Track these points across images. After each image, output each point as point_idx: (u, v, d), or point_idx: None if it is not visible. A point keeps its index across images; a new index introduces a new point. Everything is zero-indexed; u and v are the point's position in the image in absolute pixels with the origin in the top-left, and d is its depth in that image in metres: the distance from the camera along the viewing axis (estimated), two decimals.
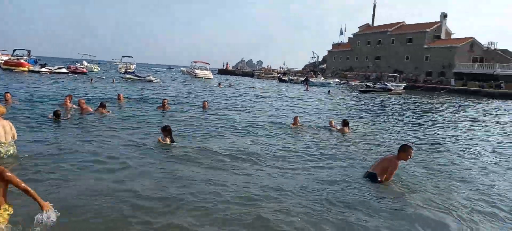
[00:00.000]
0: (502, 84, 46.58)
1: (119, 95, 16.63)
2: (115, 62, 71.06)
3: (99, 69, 53.81)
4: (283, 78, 65.16)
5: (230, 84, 40.03)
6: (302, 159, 7.99)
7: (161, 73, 64.75)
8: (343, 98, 30.97)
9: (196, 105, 16.84)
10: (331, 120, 13.18)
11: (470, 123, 17.73)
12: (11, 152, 6.28)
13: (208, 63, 59.72)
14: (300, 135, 11.05)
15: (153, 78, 37.25)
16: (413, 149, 6.35)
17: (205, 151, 8.04)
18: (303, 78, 57.99)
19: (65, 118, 10.60)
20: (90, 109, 12.22)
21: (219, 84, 37.86)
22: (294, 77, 64.12)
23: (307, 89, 37.99)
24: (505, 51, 57.15)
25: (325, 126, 12.71)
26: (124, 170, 6.30)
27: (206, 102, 15.95)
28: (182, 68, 68.88)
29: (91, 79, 31.44)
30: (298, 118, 12.79)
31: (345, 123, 11.98)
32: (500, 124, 17.99)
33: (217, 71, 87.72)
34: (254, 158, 7.74)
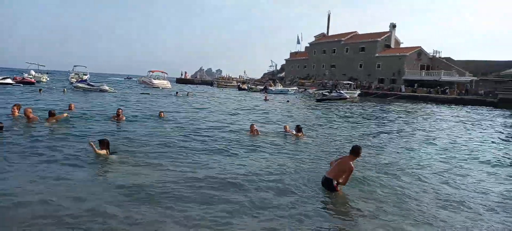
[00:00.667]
0: (447, 90, 49.83)
1: (70, 105, 15.87)
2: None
3: (49, 79, 50.98)
4: (243, 86, 65.35)
5: (188, 93, 39.48)
6: (256, 167, 7.97)
7: (118, 83, 62.56)
8: (298, 108, 31.51)
9: (152, 116, 16.19)
10: (285, 125, 13.37)
11: (417, 125, 18.74)
12: None
13: (165, 73, 58.58)
14: (256, 142, 11.09)
15: (107, 88, 35.83)
16: (362, 149, 6.57)
17: (153, 164, 7.79)
18: (262, 87, 58.54)
19: (9, 130, 9.85)
20: (37, 118, 11.69)
21: (177, 93, 37.21)
22: (253, 86, 64.60)
23: (266, 99, 38.05)
24: (448, 59, 61.26)
25: (280, 132, 12.83)
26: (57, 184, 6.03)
27: (162, 113, 15.57)
28: (139, 78, 66.73)
29: (40, 89, 29.73)
30: (255, 125, 12.80)
31: (298, 129, 12.33)
32: (444, 126, 19.17)
33: (175, 81, 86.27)
34: (206, 168, 7.63)
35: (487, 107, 39.03)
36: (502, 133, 17.90)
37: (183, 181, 6.69)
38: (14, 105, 12.80)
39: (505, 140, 15.31)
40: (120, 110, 14.46)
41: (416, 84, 55.04)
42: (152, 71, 58.19)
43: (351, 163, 6.27)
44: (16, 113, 12.18)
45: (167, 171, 7.32)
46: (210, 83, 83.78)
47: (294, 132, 12.31)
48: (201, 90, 54.08)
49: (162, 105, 23.38)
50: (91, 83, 38.45)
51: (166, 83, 53.18)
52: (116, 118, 13.84)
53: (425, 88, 52.61)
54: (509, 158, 10.89)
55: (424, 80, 55.63)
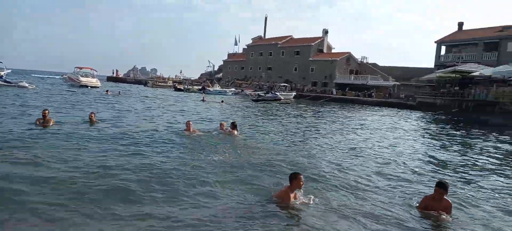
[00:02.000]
0: (373, 93, 53.55)
1: None
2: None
3: None
4: (179, 87, 63.68)
5: (119, 92, 37.47)
6: (190, 167, 7.73)
7: (41, 80, 57.26)
8: (235, 108, 31.57)
9: (80, 117, 14.65)
10: (222, 122, 13.28)
11: (345, 126, 19.80)
12: None
13: (95, 70, 54.89)
14: (191, 140, 10.87)
15: (27, 84, 32.66)
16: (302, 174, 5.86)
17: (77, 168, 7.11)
18: (199, 87, 57.64)
19: None
20: None
21: (107, 91, 35.07)
22: (190, 86, 63.27)
23: (203, 100, 37.54)
24: (374, 65, 65.95)
25: (215, 129, 12.77)
26: None
27: (93, 115, 13.65)
28: (64, 75, 61.22)
29: None
30: (191, 123, 12.44)
31: (233, 126, 12.32)
32: (370, 126, 20.49)
33: (106, 79, 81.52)
34: (138, 169, 7.20)
35: (407, 109, 42.64)
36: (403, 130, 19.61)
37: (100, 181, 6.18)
38: None
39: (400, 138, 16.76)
40: (47, 111, 12.31)
41: (347, 88, 58.31)
42: (80, 68, 54.13)
43: (290, 192, 5.72)
44: None
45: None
46: (144, 83, 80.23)
47: (229, 129, 12.30)
48: (135, 90, 51.66)
49: (90, 105, 21.82)
50: (8, 79, 34.77)
51: (95, 81, 49.79)
52: (40, 121, 11.75)
53: (354, 92, 55.98)
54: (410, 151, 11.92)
55: (353, 84, 59.19)
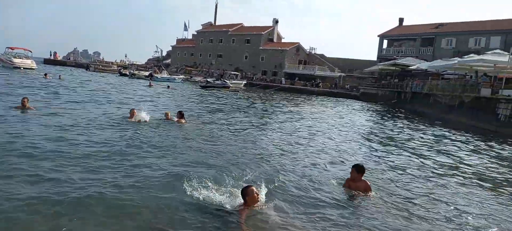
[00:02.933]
0: (320, 84, 55.31)
1: None
2: None
3: None
4: (124, 72, 60.79)
5: (60, 76, 35.02)
6: (134, 155, 7.45)
7: None
8: (183, 95, 31.00)
9: (12, 104, 13.04)
10: (167, 112, 12.92)
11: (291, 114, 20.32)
12: None
13: (29, 50, 50.66)
14: (136, 128, 10.42)
15: None
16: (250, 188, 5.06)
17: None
18: (147, 73, 55.46)
19: None
20: None
21: (46, 75, 32.56)
22: (137, 72, 60.63)
23: (150, 85, 36.39)
24: (322, 56, 67.97)
25: (161, 118, 12.38)
26: None
27: (26, 99, 12.28)
28: None
29: None
30: (135, 111, 11.88)
31: (181, 115, 12.10)
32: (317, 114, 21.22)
33: (42, 61, 75.62)
34: (72, 158, 6.76)
35: (352, 99, 44.69)
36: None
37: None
38: None
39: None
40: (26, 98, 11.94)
41: (296, 78, 59.59)
42: (12, 48, 49.64)
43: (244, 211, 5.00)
44: None
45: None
46: (86, 67, 75.26)
47: (175, 119, 12.04)
48: (76, 74, 48.53)
49: (25, 90, 20.16)
50: None
51: (30, 63, 45.98)
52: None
53: (302, 82, 57.40)
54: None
55: (301, 74, 60.64)
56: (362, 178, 6.25)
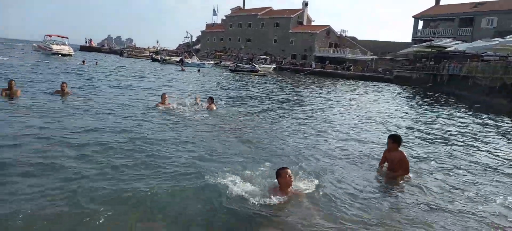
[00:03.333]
0: (351, 67, 54.09)
1: None
2: None
3: None
4: (156, 57, 62.22)
5: (96, 62, 36.23)
6: (166, 142, 7.41)
7: (15, 49, 54.43)
8: (215, 78, 31.25)
9: (52, 89, 13.68)
10: (197, 96, 12.96)
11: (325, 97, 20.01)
12: None
13: (66, 37, 52.69)
14: (166, 114, 10.47)
15: None
16: (285, 170, 4.89)
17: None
18: (178, 59, 56.37)
19: None
20: None
21: (84, 61, 33.80)
22: (168, 57, 61.75)
23: (182, 69, 37.32)
24: (353, 38, 66.24)
25: (191, 103, 12.27)
26: None
27: (65, 84, 12.81)
28: (34, 44, 58.21)
29: None
30: (167, 96, 11.86)
31: (211, 100, 12.12)
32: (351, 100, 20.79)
33: (78, 48, 78.41)
34: (113, 144, 6.84)
35: (384, 83, 43.43)
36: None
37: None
38: None
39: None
40: (13, 81, 11.41)
41: (327, 61, 58.55)
42: (50, 36, 51.78)
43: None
44: None
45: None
46: (120, 53, 77.59)
47: (206, 104, 11.99)
48: (111, 60, 50.04)
49: (64, 76, 21.04)
50: None
51: (67, 49, 47.90)
52: (6, 92, 11.01)
53: (333, 65, 56.32)
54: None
55: (332, 57, 59.46)
56: (399, 149, 6.18)
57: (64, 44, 50.39)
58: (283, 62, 62.43)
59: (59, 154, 6.02)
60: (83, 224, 3.84)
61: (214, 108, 11.84)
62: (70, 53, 47.12)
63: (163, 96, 11.69)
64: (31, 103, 10.49)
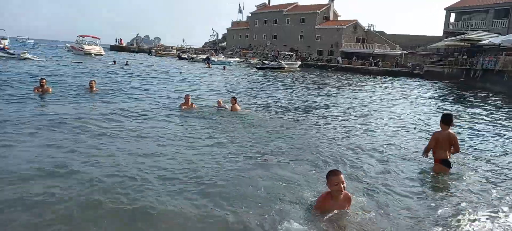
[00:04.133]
0: (380, 62, 52.85)
1: None
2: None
3: None
4: (183, 56, 63.30)
5: (127, 62, 37.29)
6: (189, 144, 7.38)
7: (45, 51, 56.97)
8: (239, 76, 31.40)
9: (82, 87, 14.56)
10: (219, 100, 12.39)
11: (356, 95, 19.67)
12: None
13: (98, 38, 54.49)
14: (190, 117, 10.32)
15: (29, 56, 32.44)
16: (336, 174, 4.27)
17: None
18: (204, 57, 57.09)
19: None
20: None
21: (115, 61, 34.99)
22: (194, 55, 62.74)
23: (209, 66, 37.88)
24: (381, 33, 64.67)
25: (214, 104, 12.13)
26: None
27: (93, 82, 13.72)
28: (67, 44, 60.66)
29: None
30: (190, 97, 11.81)
31: (234, 100, 11.64)
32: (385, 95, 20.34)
33: (109, 48, 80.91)
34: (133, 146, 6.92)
35: (414, 78, 42.16)
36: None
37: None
38: None
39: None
40: (44, 80, 12.63)
41: (354, 57, 57.50)
42: (82, 36, 53.70)
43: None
44: None
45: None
46: (148, 52, 79.70)
47: (227, 107, 11.63)
48: (139, 59, 51.40)
49: (94, 74, 21.81)
50: (10, 51, 34.60)
51: (99, 49, 49.55)
52: (39, 90, 12.11)
53: (360, 61, 55.23)
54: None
55: (359, 53, 58.30)
56: (449, 130, 6.27)
57: (95, 44, 52.11)
58: (309, 59, 61.85)
59: (79, 151, 6.27)
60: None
61: (238, 108, 11.55)
62: (101, 53, 48.71)
63: (186, 97, 11.68)
64: (61, 99, 11.27)
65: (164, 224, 4.02)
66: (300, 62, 52.16)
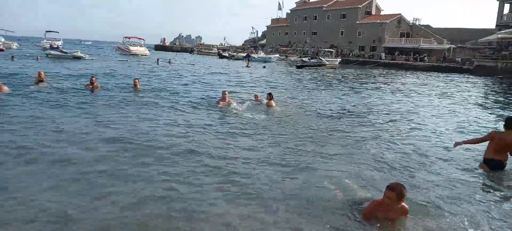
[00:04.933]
0: (426, 57, 50.54)
1: (39, 73, 14.62)
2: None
3: (19, 46, 48.80)
4: (223, 54, 64.36)
5: (169, 60, 38.60)
6: (223, 141, 7.43)
7: (94, 50, 60.44)
8: (278, 74, 31.39)
9: (127, 85, 15.45)
10: (256, 94, 12.80)
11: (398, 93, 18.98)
12: None
13: (142, 39, 56.83)
14: (226, 112, 10.53)
15: (81, 55, 34.67)
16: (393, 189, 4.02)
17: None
18: (244, 54, 57.75)
19: None
20: (6, 89, 11.45)
21: (158, 60, 36.39)
22: (235, 53, 63.67)
23: (248, 66, 38.11)
24: (427, 27, 61.76)
25: (250, 100, 12.32)
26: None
27: (137, 81, 14.52)
28: (115, 45, 64.16)
29: (12, 57, 28.52)
30: (227, 93, 11.98)
31: (270, 96, 11.73)
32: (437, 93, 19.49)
33: (153, 48, 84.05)
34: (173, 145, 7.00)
35: (464, 73, 39.90)
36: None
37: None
38: None
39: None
40: (94, 78, 13.98)
41: (396, 52, 55.47)
42: (128, 38, 56.25)
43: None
44: None
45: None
46: (190, 51, 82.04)
47: (265, 101, 11.82)
48: (181, 58, 52.98)
49: (138, 73, 22.81)
50: (64, 50, 37.15)
51: (144, 50, 51.71)
52: (90, 86, 13.39)
53: (404, 56, 53.13)
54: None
55: (403, 48, 56.10)
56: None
57: (140, 45, 54.38)
58: (351, 55, 60.46)
59: (119, 144, 6.68)
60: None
61: (273, 104, 11.57)
62: (146, 54, 50.76)
63: (223, 93, 11.90)
64: (107, 95, 12.31)
65: (205, 224, 4.04)
66: (340, 59, 51.16)
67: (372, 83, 24.99)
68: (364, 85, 23.24)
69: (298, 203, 4.61)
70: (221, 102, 11.53)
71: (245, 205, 4.49)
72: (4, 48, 39.16)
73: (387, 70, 42.81)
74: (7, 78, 15.27)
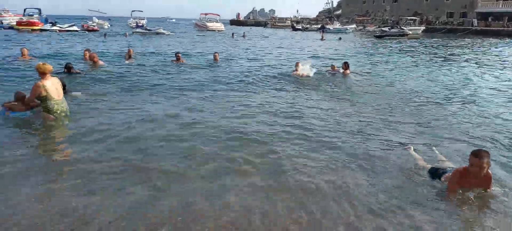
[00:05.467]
0: None
1: (129, 50, 16.00)
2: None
3: (110, 25, 53.48)
4: (297, 26, 63.52)
5: (243, 34, 39.31)
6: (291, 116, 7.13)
7: (173, 26, 63.95)
8: (354, 46, 30.04)
9: (207, 58, 16.50)
10: (332, 64, 12.88)
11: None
12: (65, 108, 6.12)
13: (218, 15, 58.45)
14: (299, 83, 10.57)
15: (163, 31, 37.13)
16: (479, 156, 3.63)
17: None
18: (318, 26, 56.30)
19: (75, 72, 10.43)
20: (102, 63, 12.49)
21: (233, 34, 37.38)
22: (308, 25, 62.36)
23: (322, 38, 36.70)
24: None
25: (327, 71, 12.39)
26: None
27: (216, 54, 15.70)
28: (193, 21, 67.45)
29: (105, 34, 31.63)
30: (300, 63, 12.05)
31: (346, 65, 12.07)
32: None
33: (229, 23, 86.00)
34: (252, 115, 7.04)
35: None
36: None
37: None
38: (85, 49, 14.96)
39: None
40: (179, 53, 14.83)
41: (490, 18, 49.31)
42: (205, 14, 58.34)
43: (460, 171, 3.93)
44: (87, 57, 13.63)
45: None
46: (264, 24, 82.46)
47: (342, 70, 12.02)
48: (255, 31, 53.55)
49: (218, 47, 23.64)
50: (148, 27, 39.96)
51: (219, 26, 53.36)
52: (176, 61, 14.26)
53: (500, 22, 47.02)
54: None
55: (501, 13, 49.53)
56: None
57: (216, 21, 56.08)
58: (437, 23, 55.22)
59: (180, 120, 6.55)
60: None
61: (348, 73, 11.84)
62: (222, 29, 52.32)
63: (297, 64, 12.07)
64: (191, 67, 13.26)
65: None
66: (423, 28, 47.05)
67: (465, 54, 22.30)
68: (456, 56, 20.95)
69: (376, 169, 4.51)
70: (295, 72, 11.67)
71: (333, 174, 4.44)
72: (98, 29, 43.22)
73: (480, 38, 38.21)
74: (104, 54, 16.91)
